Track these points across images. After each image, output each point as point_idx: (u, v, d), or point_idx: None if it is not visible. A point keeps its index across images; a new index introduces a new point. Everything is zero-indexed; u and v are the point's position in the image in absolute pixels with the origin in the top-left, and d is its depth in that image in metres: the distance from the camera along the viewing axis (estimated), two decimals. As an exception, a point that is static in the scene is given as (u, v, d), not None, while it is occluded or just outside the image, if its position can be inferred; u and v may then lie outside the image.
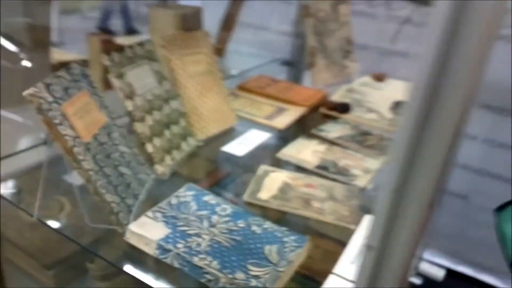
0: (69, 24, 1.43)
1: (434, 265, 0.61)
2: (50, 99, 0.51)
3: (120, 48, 0.75)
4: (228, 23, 1.28)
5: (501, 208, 0.72)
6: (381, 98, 1.21)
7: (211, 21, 1.20)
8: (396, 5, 1.62)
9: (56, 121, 0.50)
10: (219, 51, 1.34)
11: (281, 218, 0.67)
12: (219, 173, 0.87)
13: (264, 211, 0.68)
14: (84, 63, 1.05)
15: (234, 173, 0.85)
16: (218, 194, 0.67)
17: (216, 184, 0.80)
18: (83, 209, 0.55)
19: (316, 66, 1.25)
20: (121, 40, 1.20)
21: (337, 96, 1.20)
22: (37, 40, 0.96)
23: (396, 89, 1.27)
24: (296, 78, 1.51)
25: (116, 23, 1.84)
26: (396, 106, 1.15)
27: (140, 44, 0.74)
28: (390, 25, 1.63)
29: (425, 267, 0.59)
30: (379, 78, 1.39)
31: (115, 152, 0.60)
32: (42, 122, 0.50)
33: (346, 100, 1.17)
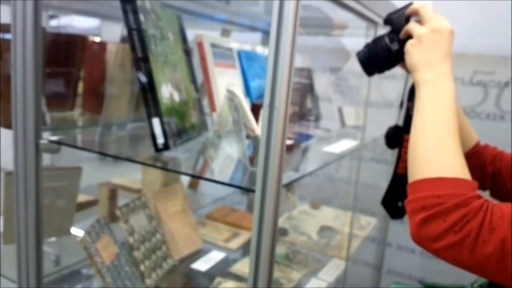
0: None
1: None
2: (90, 241, 0.90)
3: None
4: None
5: None
6: (312, 223, 1.63)
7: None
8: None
9: (92, 254, 0.89)
10: (194, 185, 1.78)
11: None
12: (189, 285, 1.24)
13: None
14: (94, 202, 1.46)
15: (199, 285, 1.22)
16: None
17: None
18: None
19: (265, 199, 1.68)
20: (123, 180, 1.63)
21: (279, 222, 1.62)
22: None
23: (325, 216, 1.70)
24: (250, 205, 1.93)
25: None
26: (321, 230, 1.57)
27: (139, 198, 1.16)
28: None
29: None
30: (315, 206, 1.83)
31: (122, 271, 0.98)
32: (86, 255, 0.89)
33: (285, 225, 1.59)
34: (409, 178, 0.63)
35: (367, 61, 0.77)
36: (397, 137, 0.82)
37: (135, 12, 0.81)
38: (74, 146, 0.99)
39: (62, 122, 1.19)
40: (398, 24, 0.74)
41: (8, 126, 1.09)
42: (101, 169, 1.66)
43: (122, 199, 1.43)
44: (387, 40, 0.75)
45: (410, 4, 0.74)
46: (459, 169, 0.60)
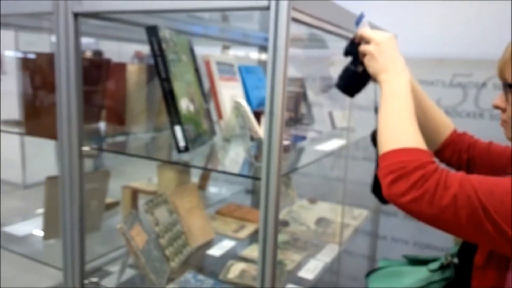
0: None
1: None
2: (126, 229, 1.10)
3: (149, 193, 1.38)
4: (205, 173, 1.94)
5: (369, 274, 1.26)
6: (310, 216, 1.83)
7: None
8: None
9: (129, 239, 1.09)
10: (202, 186, 1.98)
11: None
12: (206, 267, 1.44)
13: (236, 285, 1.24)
14: (116, 204, 1.65)
15: (215, 266, 1.41)
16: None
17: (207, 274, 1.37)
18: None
19: (267, 195, 1.88)
20: (137, 184, 1.82)
21: (281, 215, 1.82)
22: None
23: (321, 209, 1.90)
24: (254, 201, 2.13)
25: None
26: (318, 221, 1.77)
27: (160, 195, 1.36)
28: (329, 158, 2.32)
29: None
30: (312, 201, 2.03)
31: (152, 254, 1.18)
32: (124, 240, 1.08)
33: (286, 218, 1.79)
34: (379, 152, 0.80)
35: (344, 87, 0.99)
36: None
37: (159, 42, 1.02)
38: (113, 151, 1.19)
39: (88, 133, 1.39)
40: (354, 51, 0.95)
41: (38, 134, 1.29)
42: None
43: (140, 200, 1.62)
44: (352, 67, 0.96)
45: (355, 34, 0.96)
46: (416, 142, 0.78)
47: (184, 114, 1.09)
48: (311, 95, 1.96)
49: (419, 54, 2.22)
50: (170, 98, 1.04)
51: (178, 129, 1.05)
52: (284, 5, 0.80)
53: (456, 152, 1.08)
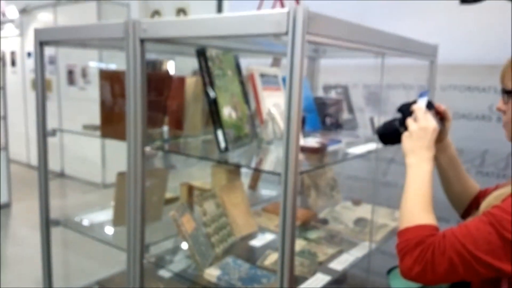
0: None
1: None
2: (177, 216, 1.33)
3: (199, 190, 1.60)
4: (255, 174, 2.13)
5: (390, 271, 1.37)
6: (350, 215, 1.95)
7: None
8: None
9: (179, 224, 1.31)
10: (253, 186, 2.19)
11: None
12: (247, 255, 1.63)
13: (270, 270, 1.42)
14: (176, 199, 1.89)
15: (255, 255, 1.60)
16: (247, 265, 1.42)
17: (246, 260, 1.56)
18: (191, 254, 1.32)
19: (311, 196, 2.04)
20: (195, 183, 2.06)
21: (322, 214, 1.96)
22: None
23: (363, 211, 2.01)
24: (302, 202, 2.27)
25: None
26: (357, 221, 1.89)
27: (209, 190, 1.57)
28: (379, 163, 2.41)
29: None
30: (356, 203, 2.14)
31: (199, 239, 1.40)
32: (175, 225, 1.31)
33: (327, 217, 1.93)
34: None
35: (382, 135, 1.15)
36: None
37: (206, 60, 1.24)
38: (171, 152, 1.43)
39: (154, 135, 1.64)
40: (405, 114, 1.08)
41: (110, 136, 1.56)
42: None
43: (197, 196, 1.85)
44: (397, 124, 1.10)
45: (414, 102, 1.08)
46: (422, 218, 0.92)
47: (226, 120, 1.29)
48: (354, 101, 2.09)
49: (471, 60, 2.24)
50: (213, 107, 1.25)
51: (219, 133, 1.26)
52: (299, 30, 0.98)
53: (478, 204, 1.18)
